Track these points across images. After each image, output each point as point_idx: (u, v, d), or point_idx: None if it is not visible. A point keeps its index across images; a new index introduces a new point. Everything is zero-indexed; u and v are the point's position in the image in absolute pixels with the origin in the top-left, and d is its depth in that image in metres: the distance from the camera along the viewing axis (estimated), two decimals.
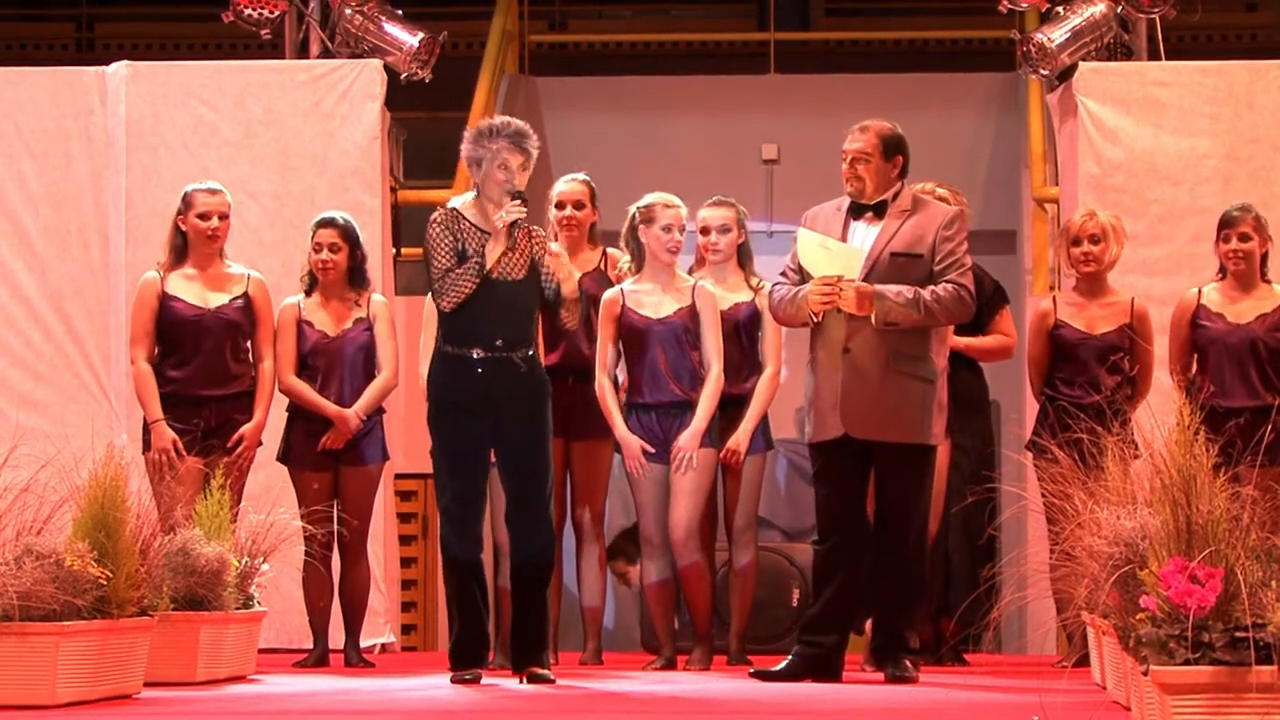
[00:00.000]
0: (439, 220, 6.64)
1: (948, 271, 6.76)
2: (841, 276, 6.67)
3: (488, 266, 6.54)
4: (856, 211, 6.87)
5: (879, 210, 6.84)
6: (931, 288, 6.71)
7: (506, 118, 6.73)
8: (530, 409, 6.63)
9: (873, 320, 6.66)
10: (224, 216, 7.83)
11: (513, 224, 6.56)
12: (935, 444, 6.88)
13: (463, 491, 6.59)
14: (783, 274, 6.96)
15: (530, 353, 6.64)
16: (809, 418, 6.88)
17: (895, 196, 6.87)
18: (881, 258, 6.76)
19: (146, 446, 7.70)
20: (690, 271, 7.84)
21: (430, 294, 6.81)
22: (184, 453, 7.58)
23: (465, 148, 6.67)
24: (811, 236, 6.80)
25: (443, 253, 6.58)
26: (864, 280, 6.69)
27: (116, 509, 5.93)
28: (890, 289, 6.67)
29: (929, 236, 6.80)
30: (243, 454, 7.70)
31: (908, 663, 6.78)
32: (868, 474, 6.83)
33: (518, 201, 6.56)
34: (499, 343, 6.57)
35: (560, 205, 7.92)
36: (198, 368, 7.74)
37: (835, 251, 6.73)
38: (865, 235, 6.82)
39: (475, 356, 6.56)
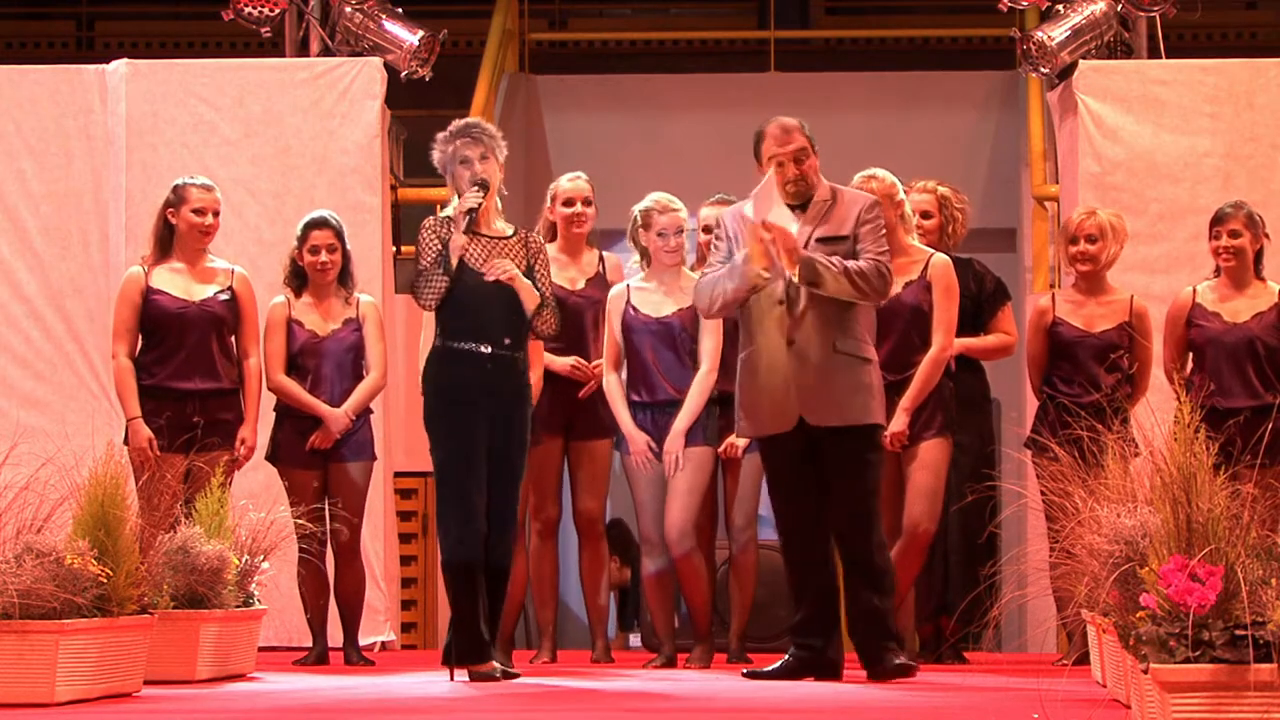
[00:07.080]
0: (427, 225, 6.71)
1: (869, 251, 6.77)
2: (765, 221, 6.61)
3: (452, 257, 6.57)
4: None
5: (803, 207, 6.83)
6: (854, 260, 6.72)
7: (464, 119, 6.80)
8: (521, 410, 6.70)
9: (795, 277, 6.63)
10: (217, 213, 7.85)
11: (469, 210, 6.59)
12: (882, 423, 6.87)
13: (464, 488, 6.59)
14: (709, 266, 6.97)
15: (524, 354, 6.70)
16: (744, 415, 6.86)
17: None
18: (808, 246, 6.73)
19: (126, 442, 7.69)
20: (693, 269, 7.83)
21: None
22: (157, 450, 7.57)
23: (435, 158, 6.78)
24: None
25: (426, 255, 6.63)
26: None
27: (116, 507, 5.93)
28: (814, 253, 6.68)
29: (850, 221, 6.80)
30: (246, 457, 7.71)
31: (891, 655, 6.73)
32: (816, 466, 6.79)
33: (475, 188, 6.61)
34: (507, 341, 6.60)
35: (569, 203, 7.91)
36: (182, 361, 7.71)
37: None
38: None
39: (485, 352, 6.58)
